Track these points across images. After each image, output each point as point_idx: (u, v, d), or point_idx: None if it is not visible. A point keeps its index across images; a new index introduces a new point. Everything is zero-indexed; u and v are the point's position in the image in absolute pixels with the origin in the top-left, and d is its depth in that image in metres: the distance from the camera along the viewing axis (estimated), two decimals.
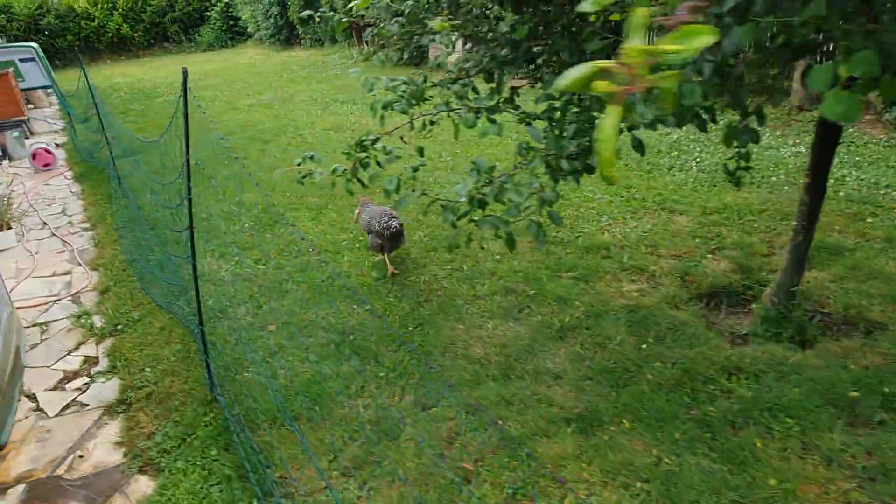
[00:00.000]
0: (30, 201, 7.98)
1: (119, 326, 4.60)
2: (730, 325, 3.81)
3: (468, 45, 2.98)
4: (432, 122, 2.48)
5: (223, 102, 13.07)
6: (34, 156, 9.45)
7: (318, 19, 3.37)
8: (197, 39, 26.99)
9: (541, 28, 2.71)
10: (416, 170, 2.51)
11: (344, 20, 3.18)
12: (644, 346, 3.59)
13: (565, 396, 3.23)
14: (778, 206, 5.23)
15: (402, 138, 2.72)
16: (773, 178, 5.79)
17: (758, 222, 4.99)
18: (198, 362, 3.93)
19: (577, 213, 5.53)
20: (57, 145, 11.30)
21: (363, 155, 2.72)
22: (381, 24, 3.29)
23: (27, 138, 11.69)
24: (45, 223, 7.17)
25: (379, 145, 2.74)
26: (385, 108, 2.68)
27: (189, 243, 3.42)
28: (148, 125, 11.45)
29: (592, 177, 6.12)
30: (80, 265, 5.91)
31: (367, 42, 17.43)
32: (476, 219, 2.17)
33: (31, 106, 15.03)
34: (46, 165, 9.51)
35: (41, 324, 4.89)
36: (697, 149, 6.82)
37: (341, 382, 3.51)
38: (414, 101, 2.48)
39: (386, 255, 4.68)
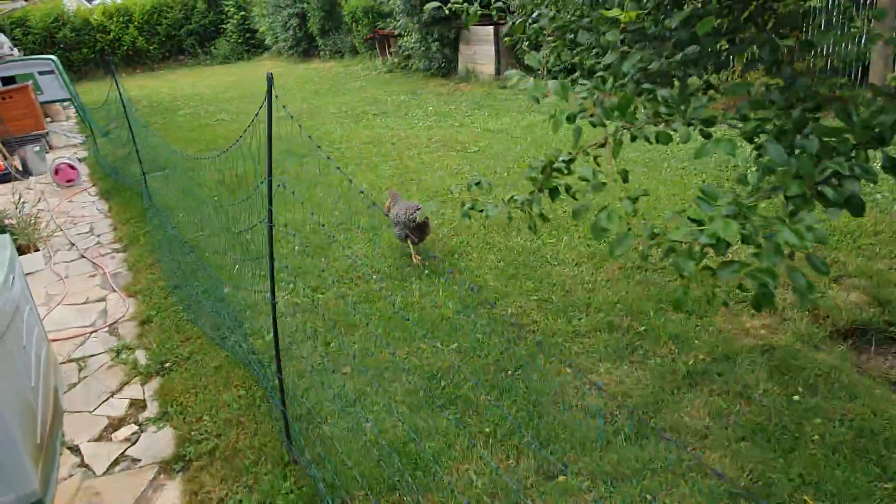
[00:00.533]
0: (55, 220, 7.53)
1: (167, 364, 4.09)
2: (883, 369, 3.27)
3: (622, 46, 2.47)
4: (634, 137, 1.96)
5: (249, 115, 12.62)
6: (56, 171, 9.01)
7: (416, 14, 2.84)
8: (213, 52, 26.72)
9: (731, 20, 2.20)
10: (634, 201, 1.98)
11: (476, 12, 2.69)
12: (795, 397, 3.06)
13: (720, 462, 2.70)
14: (894, 227, 4.70)
15: (595, 159, 2.17)
16: (878, 196, 5.27)
17: (877, 246, 4.46)
18: (265, 411, 3.42)
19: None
20: (79, 160, 10.88)
21: (556, 180, 2.18)
22: (521, 19, 2.78)
23: (47, 152, 11.28)
24: (72, 244, 6.70)
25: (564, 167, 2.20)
26: (570, 120, 2.16)
27: (269, 276, 2.91)
28: (172, 139, 11.02)
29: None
30: (115, 291, 5.42)
31: (390, 53, 17.03)
32: (711, 266, 1.67)
33: (48, 119, 14.66)
34: (69, 181, 9.07)
35: (78, 359, 4.39)
36: None
37: (441, 440, 2.99)
38: (615, 112, 1.96)
39: (413, 245, 4.93)
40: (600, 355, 3.54)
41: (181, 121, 12.89)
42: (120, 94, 7.13)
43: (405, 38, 15.66)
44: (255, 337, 4.14)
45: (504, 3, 2.78)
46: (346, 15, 18.76)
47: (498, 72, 13.07)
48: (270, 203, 2.83)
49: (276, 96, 2.66)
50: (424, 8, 2.78)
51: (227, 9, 26.28)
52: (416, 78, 14.95)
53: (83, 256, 6.33)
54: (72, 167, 9.12)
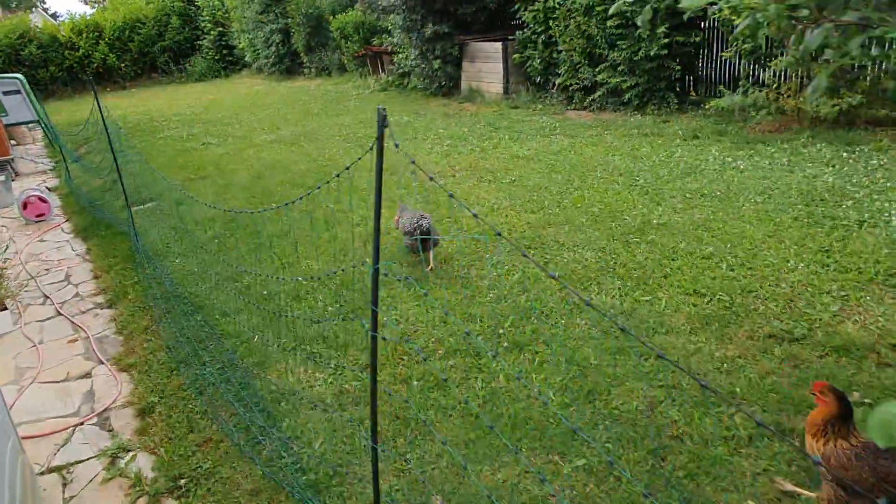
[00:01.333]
0: (24, 264, 6.42)
1: (181, 481, 3.08)
2: None
3: None
4: None
5: (237, 139, 11.60)
6: (25, 205, 7.88)
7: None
8: (188, 69, 25.58)
9: None
10: None
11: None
12: None
13: None
14: None
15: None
16: None
17: None
18: None
19: (780, 289, 4.16)
20: (49, 189, 9.73)
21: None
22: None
23: (13, 180, 10.11)
24: (46, 296, 5.62)
25: None
26: None
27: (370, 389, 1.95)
28: (156, 166, 9.94)
29: (776, 239, 4.75)
30: (103, 363, 4.37)
31: (384, 70, 16.15)
32: None
33: (13, 143, 13.42)
34: (40, 216, 7.95)
35: (60, 468, 3.35)
36: (875, 195, 5.53)
37: None
38: None
39: (423, 253, 4.88)
40: (784, 474, 2.64)
41: (163, 144, 11.80)
42: (102, 115, 6.12)
43: (401, 55, 14.81)
44: (302, 443, 3.15)
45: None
46: (333, 31, 17.86)
47: (506, 90, 12.26)
48: (377, 252, 1.88)
49: (391, 135, 1.74)
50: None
51: (203, 25, 25.22)
52: (415, 97, 14.07)
53: (60, 314, 5.25)
54: (42, 200, 8.00)
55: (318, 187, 2.87)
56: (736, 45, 8.61)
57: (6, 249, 6.67)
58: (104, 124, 6.11)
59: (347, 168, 2.21)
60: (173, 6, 25.94)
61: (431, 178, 1.91)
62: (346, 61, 18.18)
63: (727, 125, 8.53)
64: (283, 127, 12.27)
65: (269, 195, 7.55)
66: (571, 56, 10.59)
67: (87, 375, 4.25)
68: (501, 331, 3.92)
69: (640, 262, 4.72)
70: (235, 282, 5.16)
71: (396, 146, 1.86)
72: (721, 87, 9.08)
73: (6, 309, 5.18)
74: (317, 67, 19.82)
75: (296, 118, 13.24)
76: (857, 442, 2.26)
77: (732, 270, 4.47)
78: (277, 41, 20.32)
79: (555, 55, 11.32)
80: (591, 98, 10.43)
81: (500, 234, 1.82)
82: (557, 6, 10.66)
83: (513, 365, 3.58)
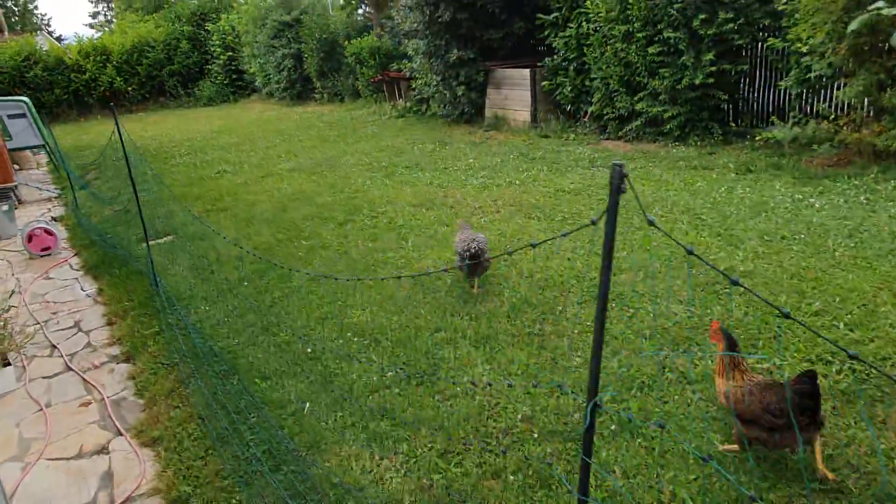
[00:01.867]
0: (28, 306, 5.81)
1: None
2: None
3: None
4: None
5: (253, 166, 11.06)
6: (30, 238, 7.29)
7: None
8: (196, 94, 25.21)
9: None
10: None
11: None
12: None
13: None
14: None
15: None
16: None
17: None
18: None
19: None
20: (54, 219, 9.16)
21: None
22: None
23: (16, 208, 9.53)
24: (53, 346, 5.00)
25: None
26: None
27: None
28: (174, 194, 9.40)
29: None
30: (122, 434, 3.74)
31: (402, 96, 15.70)
32: None
33: (17, 167, 12.88)
34: (45, 250, 7.35)
35: None
36: None
37: None
38: None
39: (471, 277, 4.80)
40: None
41: (176, 172, 11.25)
42: (122, 140, 5.56)
43: (421, 81, 14.36)
44: None
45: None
46: (348, 56, 17.48)
47: (534, 119, 11.77)
48: (592, 427, 1.28)
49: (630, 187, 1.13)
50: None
51: (212, 49, 24.91)
52: (435, 124, 13.58)
53: (69, 368, 4.63)
54: (49, 232, 7.41)
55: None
56: (795, 74, 8.11)
57: (11, 296, 6.06)
58: (124, 150, 5.54)
59: (593, 223, 1.59)
60: (183, 31, 25.67)
61: (668, 235, 1.31)
62: (360, 87, 17.76)
63: (781, 158, 7.99)
64: (301, 154, 11.75)
65: (296, 230, 6.97)
66: (607, 84, 10.11)
67: (104, 450, 3.62)
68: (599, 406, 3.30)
69: (740, 319, 4.12)
70: (273, 335, 4.54)
71: (627, 187, 1.27)
72: (774, 118, 8.56)
73: (9, 364, 4.55)
74: (329, 93, 19.41)
75: (312, 145, 12.72)
76: (750, 379, 2.68)
77: (852, 331, 3.87)
78: (289, 66, 19.94)
79: (587, 83, 10.85)
80: (628, 127, 9.91)
81: (736, 283, 1.21)
82: (591, 32, 10.20)
83: (626, 455, 2.95)
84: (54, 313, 5.68)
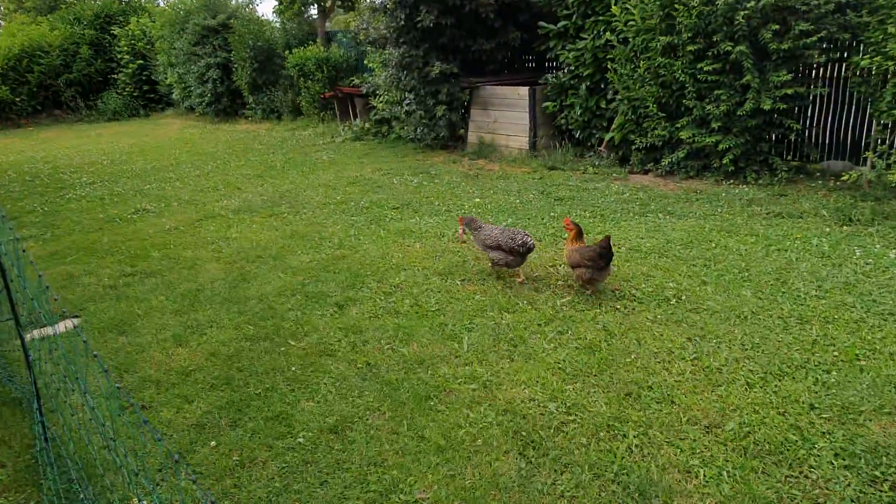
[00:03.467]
0: None
1: None
2: None
3: None
4: None
5: (185, 203, 8.47)
6: None
7: None
8: (100, 107, 21.82)
9: None
10: None
11: None
12: None
13: None
14: None
15: None
16: None
17: None
18: None
19: None
20: None
21: None
22: None
23: None
24: None
25: None
26: None
27: None
28: (68, 245, 6.70)
29: None
30: None
31: (356, 115, 13.39)
32: None
33: None
34: None
35: None
36: None
37: None
38: None
39: (516, 268, 5.05)
40: None
41: (75, 210, 8.46)
42: None
43: (382, 99, 12.16)
44: None
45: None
46: (289, 68, 15.01)
47: (533, 146, 9.82)
48: None
49: None
50: None
51: (119, 56, 21.65)
52: (404, 150, 11.38)
53: None
54: None
55: None
56: (892, 98, 6.53)
57: None
58: None
59: None
60: (83, 34, 22.22)
61: None
62: (304, 103, 15.31)
63: (882, 205, 6.38)
64: (246, 187, 9.24)
65: (273, 318, 4.60)
66: (634, 106, 8.30)
67: None
68: None
69: None
70: None
71: None
72: (870, 155, 6.97)
73: None
74: (264, 109, 16.80)
75: (257, 174, 10.22)
76: (580, 246, 4.65)
77: None
78: (215, 77, 17.17)
79: (602, 105, 9.02)
80: (669, 160, 8.09)
81: None
82: (616, 44, 8.38)
83: None
84: None
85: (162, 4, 22.16)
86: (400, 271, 5.35)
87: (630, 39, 8.21)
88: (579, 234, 4.72)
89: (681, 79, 7.63)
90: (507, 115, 10.09)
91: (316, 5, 15.85)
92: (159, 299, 5.11)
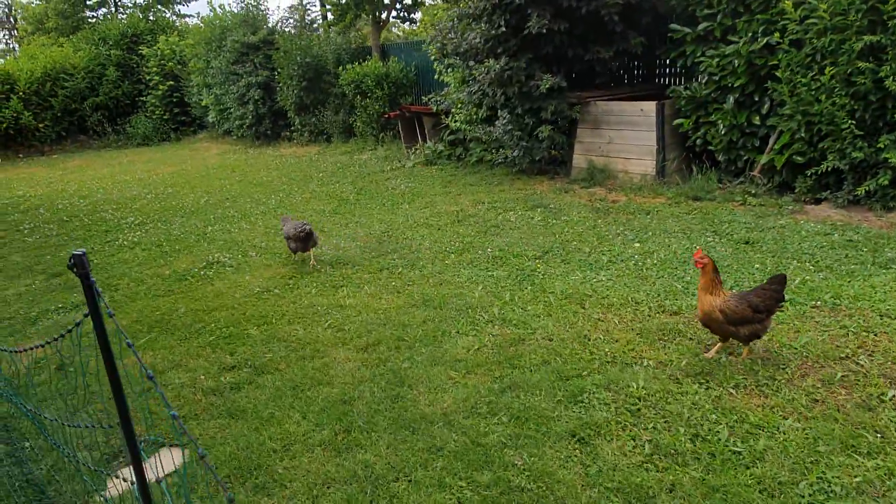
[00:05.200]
0: None
1: None
2: None
3: None
4: None
5: (266, 252, 7.00)
6: None
7: None
8: (128, 131, 20.56)
9: None
10: None
11: None
12: None
13: None
14: None
15: None
16: None
17: None
18: None
19: None
20: None
21: None
22: None
23: None
24: None
25: None
26: None
27: None
28: (141, 319, 5.20)
29: None
30: None
31: (424, 137, 11.93)
32: None
33: None
34: None
35: None
36: None
37: None
38: None
39: (303, 252, 6.17)
40: None
41: (131, 260, 7.01)
42: None
43: (459, 117, 10.71)
44: None
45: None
46: (343, 85, 13.60)
47: (661, 171, 8.29)
48: None
49: None
50: None
51: (148, 77, 20.39)
52: (493, 175, 9.87)
53: None
54: None
55: None
56: None
57: None
58: None
59: None
60: (109, 55, 21.02)
61: None
62: (359, 124, 13.88)
63: None
64: (328, 227, 7.75)
65: (502, 471, 3.05)
66: (810, 122, 6.76)
67: None
68: None
69: None
70: None
71: None
72: None
73: None
74: (310, 131, 15.41)
75: (332, 208, 8.75)
76: (727, 293, 3.64)
77: None
78: (256, 98, 15.81)
79: (756, 120, 7.48)
80: (866, 188, 6.52)
81: None
82: (786, 46, 6.85)
83: None
84: None
85: (196, 21, 20.90)
86: (624, 368, 3.80)
87: (808, 41, 6.68)
88: (716, 273, 3.68)
89: (891, 88, 6.07)
90: (625, 134, 8.58)
91: (371, 17, 14.44)
92: (294, 419, 3.59)
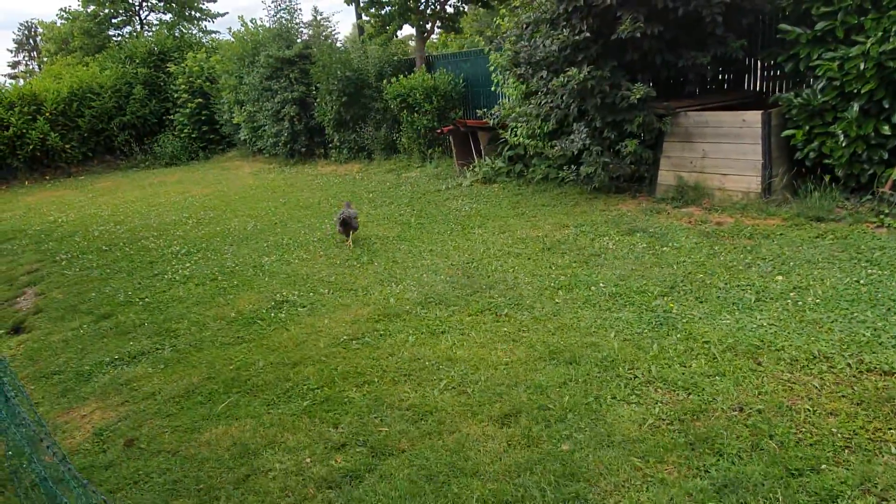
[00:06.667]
0: None
1: None
2: None
3: None
4: None
5: (338, 288, 6.19)
6: None
7: None
8: (156, 151, 19.97)
9: None
10: None
11: None
12: None
13: None
14: None
15: None
16: None
17: None
18: None
19: None
20: None
21: None
22: None
23: None
24: None
25: None
26: None
27: None
28: (214, 376, 4.39)
29: None
30: None
31: (479, 153, 11.11)
32: None
33: None
34: None
35: None
36: None
37: None
38: None
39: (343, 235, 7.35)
40: None
41: (187, 298, 6.22)
42: None
43: (522, 131, 9.90)
44: None
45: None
46: (388, 99, 12.86)
47: (768, 190, 7.40)
48: None
49: None
50: None
51: (175, 95, 19.83)
52: (564, 194, 9.03)
53: None
54: None
55: None
56: None
57: None
58: None
59: None
60: (136, 73, 20.50)
61: None
62: (405, 140, 13.12)
63: None
64: (400, 258, 6.94)
65: None
66: None
67: None
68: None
69: None
70: None
71: None
72: None
73: None
74: (350, 148, 14.68)
75: (395, 234, 7.94)
76: None
77: None
78: (292, 114, 15.12)
79: (886, 130, 6.60)
80: None
81: None
82: None
83: None
84: None
85: (226, 36, 20.33)
86: (870, 457, 2.92)
87: None
88: None
89: None
90: (723, 148, 7.71)
91: (416, 27, 13.71)
92: None
